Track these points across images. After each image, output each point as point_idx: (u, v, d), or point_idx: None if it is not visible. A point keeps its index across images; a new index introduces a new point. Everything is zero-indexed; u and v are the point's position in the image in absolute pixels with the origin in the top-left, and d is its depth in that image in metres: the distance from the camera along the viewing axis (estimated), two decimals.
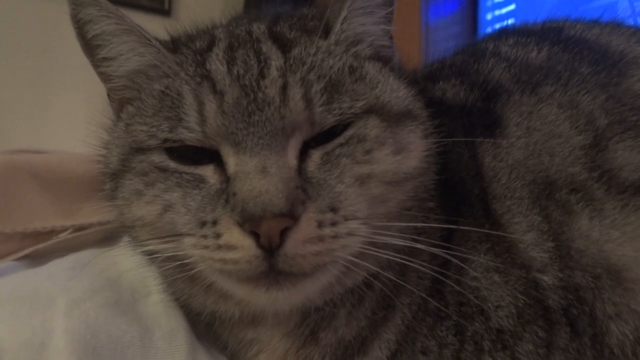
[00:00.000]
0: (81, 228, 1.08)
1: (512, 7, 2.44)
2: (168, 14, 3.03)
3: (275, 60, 0.68)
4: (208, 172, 0.68)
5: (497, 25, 2.48)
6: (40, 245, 1.03)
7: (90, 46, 0.76)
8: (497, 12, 2.53)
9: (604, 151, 0.75)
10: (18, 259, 1.01)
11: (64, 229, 1.08)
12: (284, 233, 0.61)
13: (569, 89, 0.81)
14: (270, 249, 0.61)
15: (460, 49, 1.04)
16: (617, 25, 0.97)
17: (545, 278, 0.72)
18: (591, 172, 0.75)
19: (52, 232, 1.07)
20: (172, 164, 0.69)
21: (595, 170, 0.74)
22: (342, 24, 0.73)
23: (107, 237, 1.04)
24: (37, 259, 1.01)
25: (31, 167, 1.12)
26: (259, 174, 0.63)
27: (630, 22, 0.99)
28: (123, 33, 0.74)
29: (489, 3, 2.56)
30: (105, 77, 0.78)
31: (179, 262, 0.68)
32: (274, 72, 0.67)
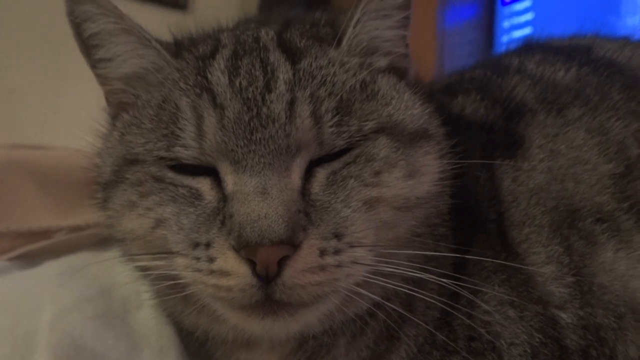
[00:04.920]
0: (77, 229, 1.05)
1: (529, 15, 2.39)
2: (184, 8, 2.98)
3: (283, 72, 0.64)
4: (205, 186, 0.64)
5: (515, 33, 2.42)
6: (34, 246, 1.00)
7: (87, 46, 0.72)
8: (514, 20, 2.48)
9: (635, 181, 0.72)
10: (11, 259, 0.98)
11: (59, 229, 1.05)
12: (282, 261, 0.56)
13: (598, 114, 0.78)
14: (267, 277, 0.57)
15: (480, 63, 1.00)
16: None
17: (564, 315, 0.68)
18: (620, 202, 0.72)
19: (47, 232, 1.04)
20: (170, 174, 0.65)
21: (624, 201, 0.71)
22: (354, 27, 0.69)
23: (104, 240, 1.01)
24: (30, 259, 0.99)
25: (29, 163, 1.09)
26: (258, 196, 0.58)
27: None
28: (122, 33, 0.70)
29: (506, 11, 2.52)
30: (102, 80, 0.74)
31: (172, 282, 0.64)
32: (281, 86, 0.62)
